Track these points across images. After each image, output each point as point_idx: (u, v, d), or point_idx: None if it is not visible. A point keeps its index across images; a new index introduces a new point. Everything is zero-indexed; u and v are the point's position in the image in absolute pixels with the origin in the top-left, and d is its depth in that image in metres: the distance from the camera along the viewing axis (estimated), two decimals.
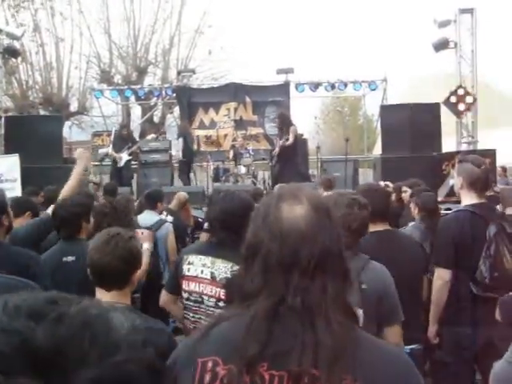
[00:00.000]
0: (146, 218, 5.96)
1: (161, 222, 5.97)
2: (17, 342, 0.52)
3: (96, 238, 2.65)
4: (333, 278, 1.30)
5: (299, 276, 1.28)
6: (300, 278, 1.28)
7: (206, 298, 3.33)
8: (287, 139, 11.41)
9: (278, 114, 13.06)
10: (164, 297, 3.59)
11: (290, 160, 11.52)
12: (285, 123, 11.81)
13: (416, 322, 3.53)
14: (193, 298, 3.37)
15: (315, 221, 1.34)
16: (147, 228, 5.48)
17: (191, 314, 3.40)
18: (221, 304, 3.25)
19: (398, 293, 3.41)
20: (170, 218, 6.62)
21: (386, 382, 1.22)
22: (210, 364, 1.28)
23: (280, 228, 1.32)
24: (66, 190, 4.27)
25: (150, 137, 14.26)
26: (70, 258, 3.73)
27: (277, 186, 8.79)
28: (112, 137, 12.98)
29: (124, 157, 12.26)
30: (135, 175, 12.95)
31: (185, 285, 3.40)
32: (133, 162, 12.91)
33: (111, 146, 12.61)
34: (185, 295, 3.40)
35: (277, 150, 11.75)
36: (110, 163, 13.06)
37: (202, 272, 3.34)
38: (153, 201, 6.23)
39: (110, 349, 0.54)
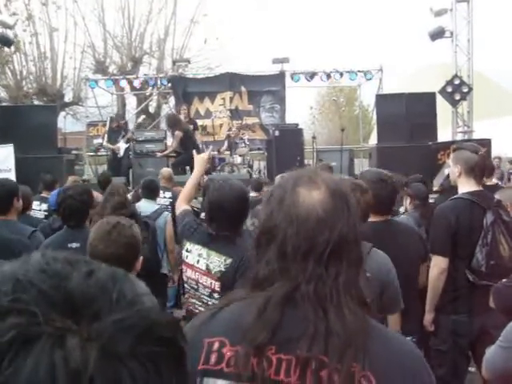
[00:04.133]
0: (145, 206, 6.01)
1: (160, 211, 6.03)
2: (55, 281, 0.55)
3: (96, 228, 2.64)
4: (347, 266, 1.27)
5: (314, 263, 1.26)
6: (315, 265, 1.26)
7: (201, 286, 3.42)
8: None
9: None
10: None
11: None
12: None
13: (413, 314, 3.51)
14: (190, 284, 3.49)
15: (333, 207, 1.30)
16: (146, 216, 5.51)
17: (189, 298, 3.52)
18: (215, 296, 3.34)
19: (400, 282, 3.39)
20: (168, 194, 6.95)
21: (395, 373, 1.20)
22: (216, 345, 1.26)
23: (297, 213, 1.29)
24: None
25: (141, 118, 14.15)
26: (75, 245, 3.73)
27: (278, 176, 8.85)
28: (107, 127, 12.91)
29: (122, 146, 12.18)
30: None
31: (184, 270, 3.53)
32: (129, 152, 12.86)
33: (106, 137, 12.53)
34: (185, 278, 3.53)
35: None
36: (105, 153, 13.01)
37: (197, 262, 3.43)
38: (152, 190, 6.30)
39: (135, 302, 0.58)
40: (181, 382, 0.59)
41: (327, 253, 1.26)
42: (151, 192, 6.26)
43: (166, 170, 8.05)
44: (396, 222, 3.82)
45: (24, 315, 0.51)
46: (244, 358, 1.21)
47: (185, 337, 0.62)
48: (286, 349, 1.21)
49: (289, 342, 1.21)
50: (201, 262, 3.42)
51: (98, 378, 0.50)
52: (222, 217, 3.27)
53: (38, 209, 6.75)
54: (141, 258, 2.62)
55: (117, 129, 12.54)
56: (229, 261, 3.31)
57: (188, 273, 3.48)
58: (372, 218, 3.50)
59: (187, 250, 3.47)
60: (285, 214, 1.30)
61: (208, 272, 3.37)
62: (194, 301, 3.47)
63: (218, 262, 3.36)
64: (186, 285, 3.53)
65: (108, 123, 13.02)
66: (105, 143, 12.44)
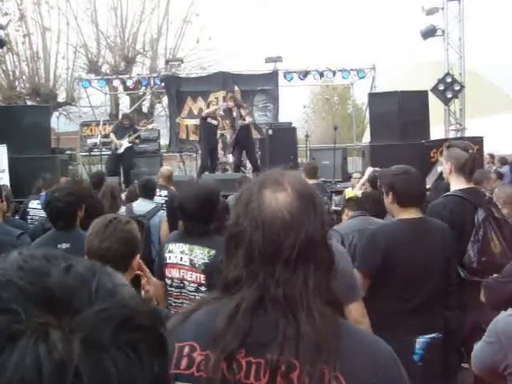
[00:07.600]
0: (142, 205, 6.05)
1: (155, 211, 6.06)
2: (34, 278, 0.56)
3: (94, 224, 2.64)
4: (315, 268, 1.27)
5: (282, 267, 1.25)
6: (283, 269, 1.25)
7: (187, 283, 3.44)
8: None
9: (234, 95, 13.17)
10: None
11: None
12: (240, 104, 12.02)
13: (439, 309, 3.46)
14: (175, 284, 3.48)
15: (299, 209, 1.28)
16: (141, 215, 5.53)
17: (173, 300, 3.50)
18: (202, 289, 3.38)
19: (431, 280, 3.35)
20: (164, 193, 7.02)
21: (366, 373, 1.20)
22: (186, 349, 1.26)
23: (262, 217, 1.27)
24: None
25: (151, 126, 14.03)
26: (65, 245, 3.70)
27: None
28: (106, 127, 12.79)
29: (124, 143, 12.14)
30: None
31: (167, 272, 3.51)
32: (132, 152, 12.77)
33: (113, 134, 12.37)
34: (168, 282, 3.51)
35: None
36: (99, 154, 12.97)
37: (181, 259, 3.48)
38: (149, 190, 6.34)
39: (115, 292, 0.59)
40: (162, 368, 0.60)
41: (294, 256, 1.25)
42: (148, 191, 6.30)
43: (166, 169, 8.13)
44: (428, 220, 3.62)
45: (6, 314, 0.53)
46: (214, 363, 1.21)
47: (165, 324, 0.63)
48: (255, 352, 1.21)
49: (259, 346, 1.21)
50: (184, 258, 3.46)
51: (82, 367, 0.52)
52: (188, 212, 3.42)
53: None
54: (138, 256, 2.60)
55: (128, 126, 12.43)
56: (212, 252, 3.36)
57: (172, 273, 3.48)
58: (405, 215, 3.43)
59: (169, 251, 3.51)
60: (251, 218, 1.28)
61: (192, 266, 3.41)
62: (180, 301, 3.46)
63: (201, 254, 3.41)
64: (169, 288, 3.50)
65: (120, 118, 12.89)
66: (111, 135, 12.31)
